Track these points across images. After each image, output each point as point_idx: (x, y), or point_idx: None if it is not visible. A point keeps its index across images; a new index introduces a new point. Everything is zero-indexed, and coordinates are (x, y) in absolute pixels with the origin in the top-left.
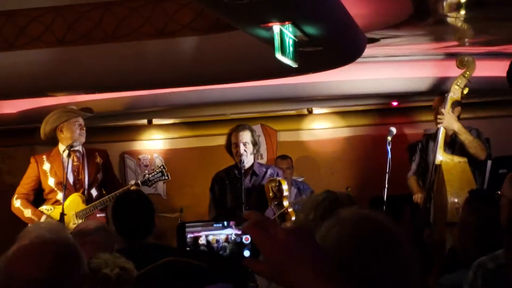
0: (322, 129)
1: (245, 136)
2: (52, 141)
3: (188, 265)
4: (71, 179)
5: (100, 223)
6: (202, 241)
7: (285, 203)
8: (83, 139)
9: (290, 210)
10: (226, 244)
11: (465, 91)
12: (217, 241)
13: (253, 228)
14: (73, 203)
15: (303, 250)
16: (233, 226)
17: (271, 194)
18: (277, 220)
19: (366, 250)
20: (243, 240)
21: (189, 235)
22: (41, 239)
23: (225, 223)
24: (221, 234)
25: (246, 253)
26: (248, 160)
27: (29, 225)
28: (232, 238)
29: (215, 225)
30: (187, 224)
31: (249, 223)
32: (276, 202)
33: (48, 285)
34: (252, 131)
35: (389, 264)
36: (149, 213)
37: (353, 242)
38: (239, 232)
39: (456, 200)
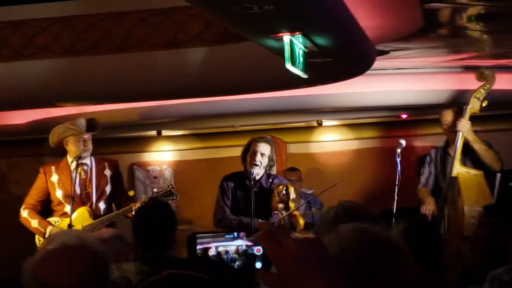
0: (332, 141)
1: (265, 148)
2: (61, 152)
3: (191, 278)
4: (78, 192)
5: (116, 232)
6: (212, 252)
7: (292, 205)
8: (88, 153)
9: (296, 213)
10: (236, 255)
11: (484, 103)
12: (227, 252)
13: (265, 239)
14: (81, 217)
15: (314, 261)
16: (244, 238)
17: (277, 198)
18: (284, 221)
19: (366, 262)
20: (255, 252)
21: (199, 246)
22: (72, 245)
23: (235, 234)
24: (231, 246)
25: (258, 264)
26: (258, 172)
27: (52, 230)
28: (243, 249)
29: (226, 236)
30: (197, 235)
31: (260, 233)
32: (283, 206)
33: None
34: (272, 146)
35: (388, 274)
36: (169, 226)
37: (353, 255)
38: (250, 243)
39: (473, 213)
